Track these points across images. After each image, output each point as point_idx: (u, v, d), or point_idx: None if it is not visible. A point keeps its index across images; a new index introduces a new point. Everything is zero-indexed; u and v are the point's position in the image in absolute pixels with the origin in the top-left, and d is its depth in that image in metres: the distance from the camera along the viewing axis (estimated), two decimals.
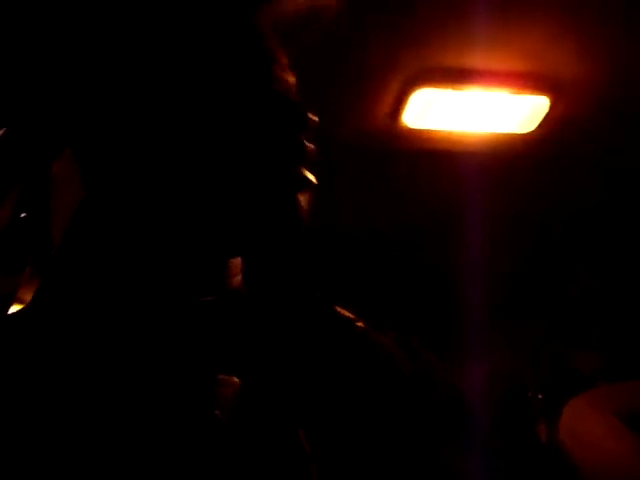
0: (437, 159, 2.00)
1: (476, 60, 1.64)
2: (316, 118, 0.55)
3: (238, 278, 0.60)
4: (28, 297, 0.63)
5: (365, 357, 0.61)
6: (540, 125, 1.87)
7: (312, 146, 0.55)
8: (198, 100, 0.53)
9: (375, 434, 0.57)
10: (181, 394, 0.53)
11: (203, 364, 0.54)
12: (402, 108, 1.77)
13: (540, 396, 2.16)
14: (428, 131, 1.88)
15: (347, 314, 0.66)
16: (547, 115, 1.82)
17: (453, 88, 1.71)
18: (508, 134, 1.92)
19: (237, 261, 0.60)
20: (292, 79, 0.58)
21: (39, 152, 0.62)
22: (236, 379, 0.54)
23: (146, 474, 0.50)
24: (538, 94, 1.76)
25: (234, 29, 0.54)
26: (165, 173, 0.54)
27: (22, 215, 0.66)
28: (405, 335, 0.66)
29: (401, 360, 0.62)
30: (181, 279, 0.57)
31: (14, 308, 0.66)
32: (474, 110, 1.80)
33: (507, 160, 2.03)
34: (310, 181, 0.55)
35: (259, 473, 0.52)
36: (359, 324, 0.65)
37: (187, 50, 0.53)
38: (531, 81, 1.73)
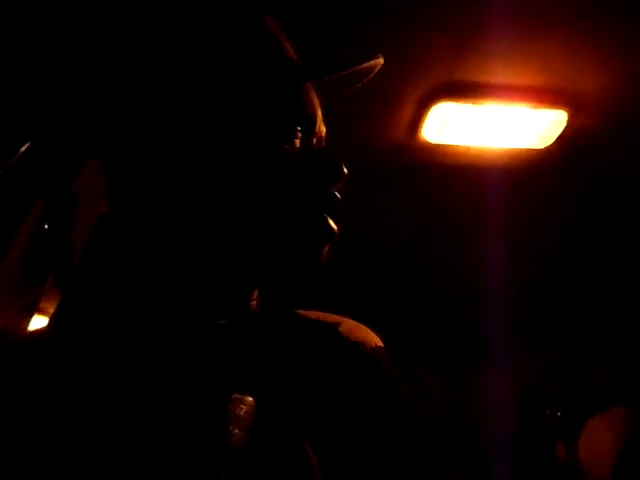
0: (456, 173, 2.00)
1: (494, 75, 1.65)
2: (345, 170, 0.59)
3: (254, 302, 0.62)
4: (51, 309, 0.64)
5: (367, 377, 0.62)
6: (558, 140, 1.86)
7: (339, 196, 0.59)
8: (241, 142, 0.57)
9: (378, 453, 0.57)
10: (196, 411, 0.53)
11: (218, 383, 0.55)
12: (421, 122, 1.78)
13: (559, 414, 2.14)
14: (447, 145, 1.89)
15: (358, 335, 0.67)
16: (565, 130, 1.82)
17: (472, 103, 1.71)
18: (526, 149, 1.92)
19: None
20: (324, 129, 0.62)
21: (63, 164, 0.63)
22: (250, 398, 0.54)
23: None
24: (556, 109, 1.76)
25: (285, 94, 0.58)
26: (203, 197, 0.56)
27: (45, 227, 0.66)
28: (404, 355, 0.67)
29: (399, 379, 0.63)
30: (201, 303, 0.58)
31: (37, 319, 0.66)
32: (492, 125, 1.80)
33: (525, 174, 2.02)
34: (334, 232, 0.59)
35: None
36: (366, 346, 0.66)
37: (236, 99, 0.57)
38: (549, 96, 1.72)
